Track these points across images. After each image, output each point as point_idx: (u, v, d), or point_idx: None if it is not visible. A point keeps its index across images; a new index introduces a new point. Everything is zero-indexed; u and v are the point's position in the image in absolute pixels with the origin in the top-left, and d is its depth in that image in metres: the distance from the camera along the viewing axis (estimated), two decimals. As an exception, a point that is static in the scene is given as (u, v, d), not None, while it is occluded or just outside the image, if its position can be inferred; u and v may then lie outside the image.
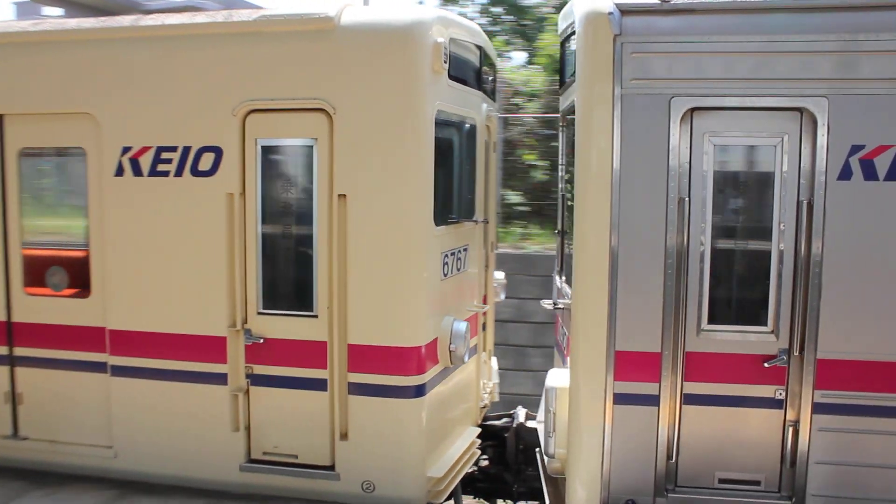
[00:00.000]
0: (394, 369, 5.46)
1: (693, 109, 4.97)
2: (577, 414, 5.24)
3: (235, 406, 5.76)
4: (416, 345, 5.48)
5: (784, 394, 5.07)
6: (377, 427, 5.53)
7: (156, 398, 5.87)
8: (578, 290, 5.22)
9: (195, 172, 5.61)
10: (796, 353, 4.96)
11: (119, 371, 5.92)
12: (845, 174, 4.81)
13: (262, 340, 5.65)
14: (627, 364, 5.13)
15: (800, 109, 4.87)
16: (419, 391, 5.52)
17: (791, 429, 5.04)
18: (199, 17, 5.98)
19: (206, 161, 5.58)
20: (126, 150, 5.72)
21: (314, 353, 5.61)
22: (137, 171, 5.72)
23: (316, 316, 5.58)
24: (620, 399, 5.14)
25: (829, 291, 4.87)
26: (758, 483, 5.15)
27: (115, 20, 6.12)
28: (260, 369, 5.72)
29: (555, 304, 6.22)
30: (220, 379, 5.74)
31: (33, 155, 6.23)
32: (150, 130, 5.69)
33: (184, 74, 5.70)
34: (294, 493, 5.72)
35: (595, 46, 5.03)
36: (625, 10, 5.00)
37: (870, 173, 4.78)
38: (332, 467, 5.65)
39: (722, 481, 5.21)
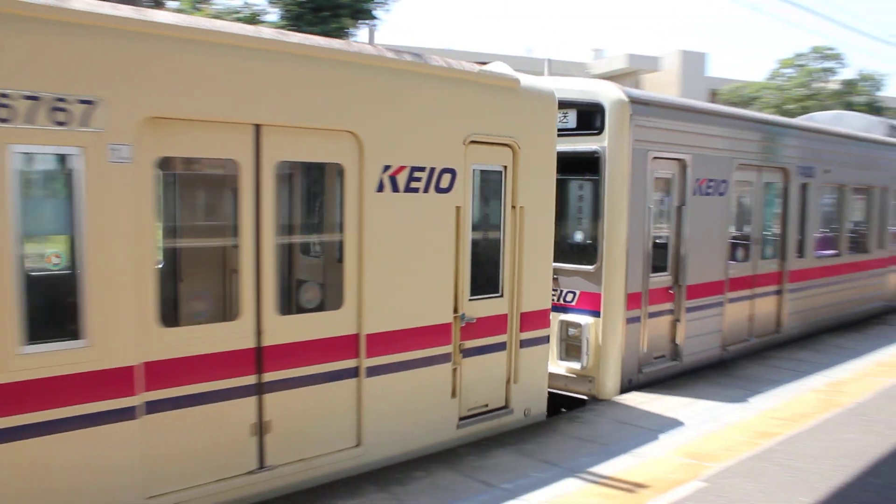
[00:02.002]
0: (542, 324, 7.92)
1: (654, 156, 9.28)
2: (609, 332, 8.84)
3: (454, 377, 7.14)
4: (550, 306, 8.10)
5: (674, 305, 9.85)
6: (531, 369, 7.88)
7: (398, 387, 6.71)
8: (609, 260, 8.82)
9: (437, 189, 6.82)
10: (679, 284, 9.84)
11: (372, 371, 6.50)
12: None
13: (474, 320, 7.25)
14: (630, 300, 9.01)
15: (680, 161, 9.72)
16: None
17: (676, 322, 9.89)
18: (450, 62, 7.01)
19: (445, 180, 6.87)
20: (386, 168, 6.42)
21: (500, 323, 7.57)
22: (395, 188, 6.51)
23: (502, 296, 7.54)
24: (628, 321, 9.01)
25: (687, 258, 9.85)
26: (663, 356, 9.79)
27: (382, 49, 6.54)
28: (469, 344, 7.29)
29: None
30: (445, 358, 7.06)
31: (286, 168, 6.00)
32: (406, 152, 6.55)
33: (433, 106, 6.78)
34: (488, 433, 7.50)
35: (622, 120, 8.73)
36: (632, 100, 8.89)
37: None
38: (506, 405, 7.69)
39: (656, 358, 9.67)
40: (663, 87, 46.67)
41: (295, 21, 23.94)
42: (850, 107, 48.61)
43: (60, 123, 4.75)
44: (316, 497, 5.98)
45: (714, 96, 50.10)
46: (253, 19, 24.24)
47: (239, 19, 23.20)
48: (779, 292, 12.01)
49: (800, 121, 15.21)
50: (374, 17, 26.71)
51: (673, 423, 7.90)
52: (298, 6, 24.61)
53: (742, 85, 50.97)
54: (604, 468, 6.50)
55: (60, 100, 4.74)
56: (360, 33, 25.05)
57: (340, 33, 23.54)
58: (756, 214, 11.51)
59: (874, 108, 48.35)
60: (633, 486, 5.92)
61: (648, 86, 50.37)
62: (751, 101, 49.31)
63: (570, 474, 6.53)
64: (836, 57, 48.55)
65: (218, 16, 22.46)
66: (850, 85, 49.23)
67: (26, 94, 4.62)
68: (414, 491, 6.16)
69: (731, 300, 10.86)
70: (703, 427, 7.73)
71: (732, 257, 10.93)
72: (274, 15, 25.78)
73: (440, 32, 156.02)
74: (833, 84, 49.27)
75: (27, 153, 4.74)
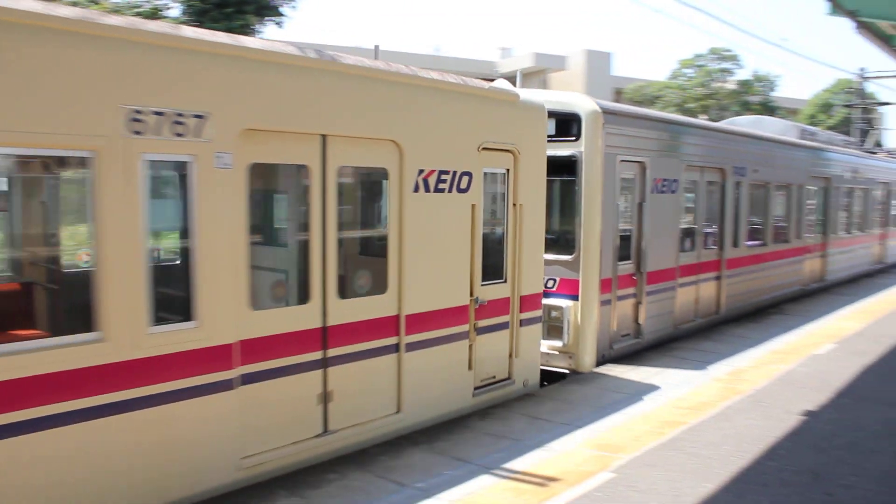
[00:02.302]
0: (537, 306, 9.10)
1: (621, 160, 10.54)
2: (586, 314, 10.08)
3: (470, 352, 8.21)
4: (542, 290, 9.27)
5: (637, 290, 11.22)
6: (529, 345, 9.04)
7: (429, 361, 7.75)
8: (586, 250, 10.06)
9: (458, 189, 7.86)
10: (641, 271, 11.18)
11: (409, 347, 7.51)
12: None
13: (485, 303, 8.33)
14: (602, 285, 10.29)
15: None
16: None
17: (639, 304, 11.25)
18: (465, 80, 8.11)
19: (464, 181, 7.91)
20: (420, 171, 7.42)
21: (504, 305, 8.69)
22: (427, 188, 7.51)
23: (505, 281, 8.66)
24: (602, 303, 10.27)
25: (647, 248, 11.25)
26: (628, 335, 11.13)
27: (420, 71, 7.58)
28: (481, 323, 8.37)
29: None
30: (464, 335, 8.13)
31: (345, 173, 7.04)
32: (435, 157, 7.56)
33: (455, 118, 7.82)
34: (495, 401, 8.61)
35: (595, 128, 9.98)
36: (604, 111, 10.15)
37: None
38: (509, 377, 8.83)
39: (623, 336, 11.00)
40: (569, 85, 48.45)
41: (199, 17, 23.91)
42: (746, 106, 51.92)
43: (179, 135, 5.56)
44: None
45: (619, 95, 52.40)
46: (154, 14, 24.07)
47: (139, 14, 23.07)
48: (718, 278, 13.69)
49: (734, 126, 17.01)
50: (279, 14, 26.93)
51: (649, 388, 9.17)
52: (201, 1, 24.58)
53: (645, 84, 53.47)
54: (516, 463, 6.46)
55: (179, 115, 5.55)
56: (266, 30, 24.92)
57: (245, 30, 23.69)
58: (700, 209, 13.14)
59: (768, 108, 51.86)
60: (545, 480, 5.89)
61: (555, 84, 52.34)
62: (654, 99, 51.82)
63: (482, 471, 6.55)
64: (732, 58, 51.34)
65: (118, 10, 22.28)
66: (745, 85, 52.31)
67: (154, 110, 5.42)
68: (326, 494, 6.24)
69: (681, 285, 12.35)
70: (677, 390, 8.88)
71: (682, 248, 12.47)
72: (176, 10, 25.45)
73: (346, 29, 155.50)
74: (730, 84, 52.12)
75: (153, 161, 5.53)
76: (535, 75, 53.85)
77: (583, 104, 10.27)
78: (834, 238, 19.29)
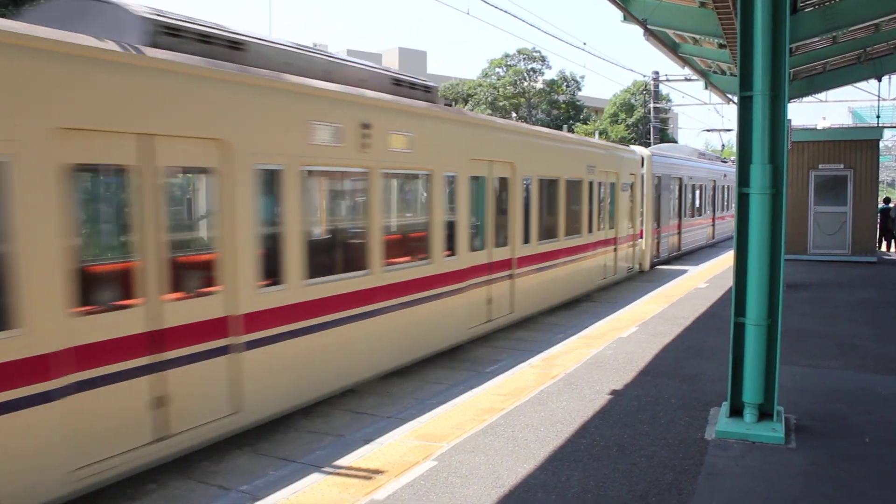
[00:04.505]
0: (636, 238, 20.56)
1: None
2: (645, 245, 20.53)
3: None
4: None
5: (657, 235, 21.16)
6: (642, 252, 21.61)
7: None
8: (645, 219, 21.99)
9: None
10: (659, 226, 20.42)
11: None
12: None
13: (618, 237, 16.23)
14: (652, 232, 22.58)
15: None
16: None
17: (658, 242, 23.56)
18: (633, 148, 17.79)
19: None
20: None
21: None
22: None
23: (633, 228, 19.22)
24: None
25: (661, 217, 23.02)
26: (657, 255, 23.16)
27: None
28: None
29: None
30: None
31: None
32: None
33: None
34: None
35: (648, 162, 21.29)
36: (653, 153, 20.72)
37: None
38: (641, 267, 21.27)
39: (654, 256, 23.03)
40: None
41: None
42: (554, 104, 54.49)
43: None
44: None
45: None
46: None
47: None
48: (709, 226, 31.24)
49: (687, 154, 29.80)
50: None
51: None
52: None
53: (458, 82, 54.80)
54: (341, 459, 6.43)
55: None
56: None
57: None
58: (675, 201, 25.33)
59: (575, 106, 54.77)
60: (371, 473, 5.95)
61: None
62: (467, 97, 53.16)
63: (308, 469, 6.55)
64: (540, 59, 53.58)
65: None
66: (553, 85, 54.86)
67: None
68: (146, 505, 6.12)
69: (683, 231, 26.67)
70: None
71: (683, 213, 26.24)
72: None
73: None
74: (539, 84, 54.45)
75: None
76: (351, 72, 53.59)
77: (643, 151, 22.02)
78: (686, 220, 27.85)
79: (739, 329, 6.59)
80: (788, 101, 6.40)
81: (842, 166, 20.80)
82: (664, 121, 41.19)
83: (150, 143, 6.22)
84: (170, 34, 6.80)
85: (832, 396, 7.79)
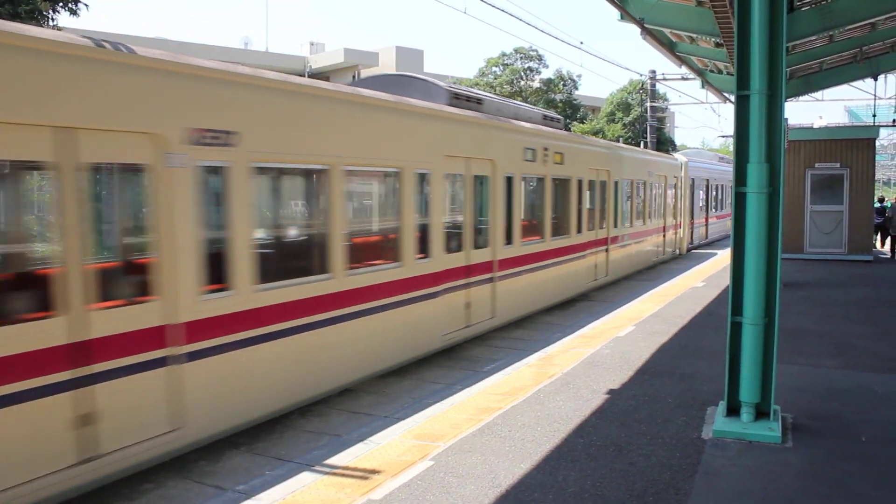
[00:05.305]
0: (681, 226, 26.84)
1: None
2: (683, 234, 25.67)
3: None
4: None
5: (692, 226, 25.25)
6: (681, 237, 27.12)
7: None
8: (682, 214, 27.07)
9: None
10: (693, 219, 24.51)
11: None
12: None
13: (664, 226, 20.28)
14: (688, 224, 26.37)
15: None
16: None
17: (692, 231, 28.80)
18: (674, 155, 22.91)
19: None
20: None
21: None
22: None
23: (675, 219, 24.76)
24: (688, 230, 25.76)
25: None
26: (692, 242, 28.17)
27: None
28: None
29: None
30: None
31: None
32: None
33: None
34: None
35: (685, 167, 27.05)
36: (688, 158, 25.83)
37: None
38: (679, 251, 26.56)
39: (689, 243, 28.10)
40: (381, 80, 48.72)
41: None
42: (550, 103, 54.54)
43: None
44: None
45: (432, 91, 53.38)
46: None
47: None
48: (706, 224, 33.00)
49: (709, 158, 34.68)
50: (75, 1, 24.85)
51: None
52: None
53: (455, 81, 54.84)
54: (338, 459, 6.42)
55: None
56: (60, 18, 22.82)
57: (34, 16, 21.77)
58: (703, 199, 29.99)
59: (572, 105, 54.76)
60: (367, 473, 5.90)
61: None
62: (466, 96, 53.05)
63: (304, 468, 6.48)
64: (537, 58, 53.53)
65: None
66: (550, 84, 54.84)
67: None
68: (144, 504, 6.08)
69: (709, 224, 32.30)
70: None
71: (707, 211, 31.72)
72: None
73: (151, 20, 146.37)
74: (536, 83, 54.43)
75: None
76: (347, 71, 53.54)
77: (683, 159, 26.92)
78: (712, 214, 33.16)
79: (736, 328, 6.58)
80: (785, 100, 6.39)
81: (838, 165, 20.86)
82: (661, 120, 41.26)
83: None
84: (457, 98, 11.93)
85: (829, 395, 7.79)
